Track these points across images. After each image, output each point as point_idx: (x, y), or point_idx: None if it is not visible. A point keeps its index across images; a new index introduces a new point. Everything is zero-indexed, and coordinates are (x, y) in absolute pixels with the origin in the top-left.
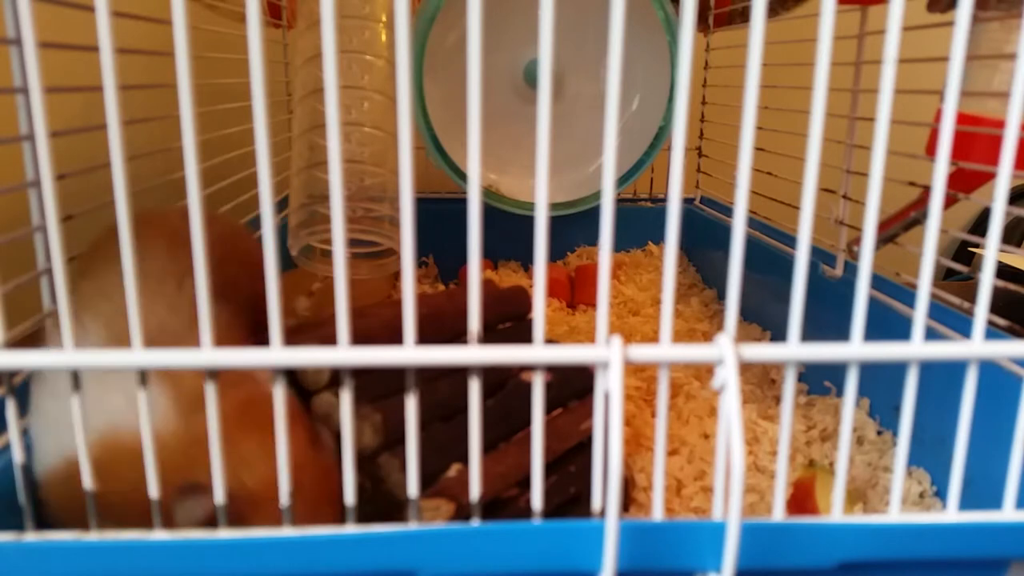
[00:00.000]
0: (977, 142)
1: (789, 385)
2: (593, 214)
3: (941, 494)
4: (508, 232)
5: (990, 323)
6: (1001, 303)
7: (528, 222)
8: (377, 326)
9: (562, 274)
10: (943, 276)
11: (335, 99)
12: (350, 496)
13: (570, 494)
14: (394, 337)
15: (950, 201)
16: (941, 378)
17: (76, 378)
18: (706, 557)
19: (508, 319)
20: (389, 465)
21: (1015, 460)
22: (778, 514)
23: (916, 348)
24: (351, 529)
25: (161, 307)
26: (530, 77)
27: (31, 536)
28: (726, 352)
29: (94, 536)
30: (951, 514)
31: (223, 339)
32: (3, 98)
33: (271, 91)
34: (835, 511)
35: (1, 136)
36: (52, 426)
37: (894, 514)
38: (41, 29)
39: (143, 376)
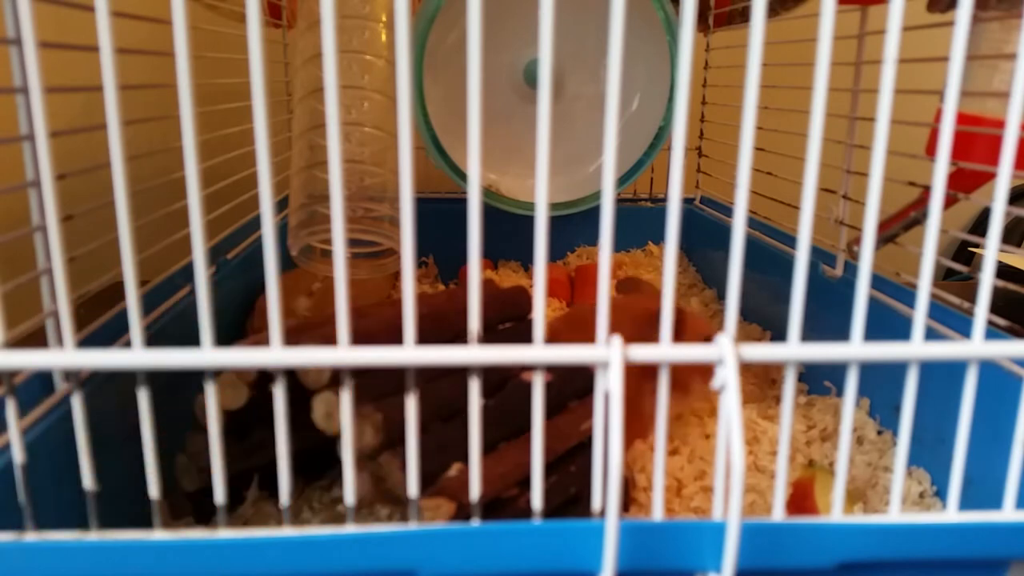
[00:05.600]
0: (977, 142)
1: (789, 385)
2: (593, 214)
3: (941, 494)
4: (508, 232)
5: (990, 323)
6: (1001, 303)
7: (528, 222)
8: (377, 326)
9: (562, 274)
10: (943, 276)
11: (335, 99)
12: (350, 496)
13: (570, 494)
14: (394, 337)
15: (950, 201)
16: (941, 378)
17: (76, 378)
18: (706, 557)
19: (508, 319)
20: (390, 464)
21: (1015, 460)
22: (778, 514)
23: (916, 348)
24: (351, 529)
25: None
26: (530, 77)
27: (31, 536)
28: (726, 352)
29: (94, 536)
30: (951, 514)
31: None
32: (3, 98)
33: (271, 91)
34: (835, 511)
35: (1, 136)
36: None
37: (894, 514)
38: (41, 29)
39: (143, 376)
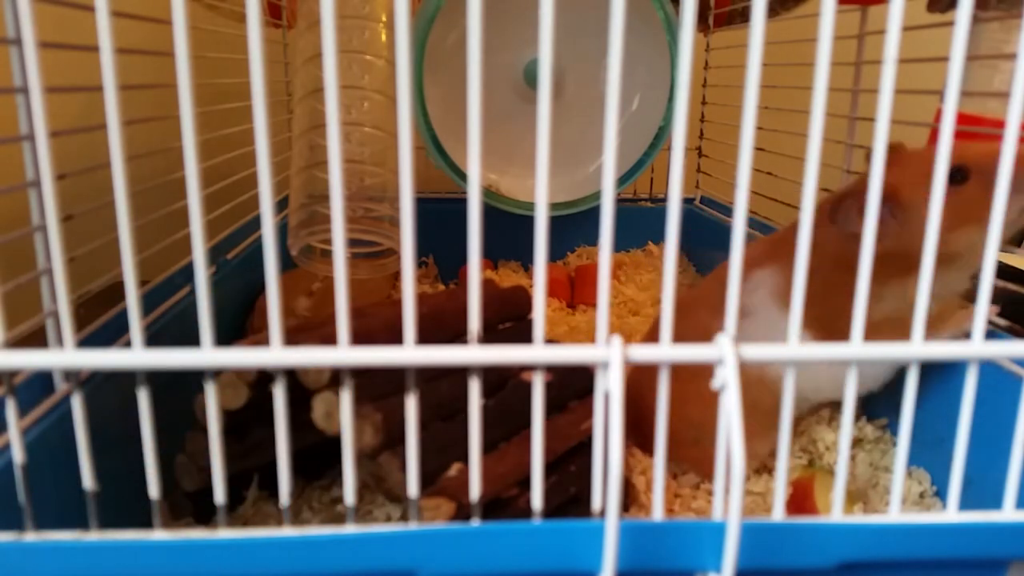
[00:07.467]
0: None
1: (789, 385)
2: (593, 214)
3: (941, 494)
4: (508, 232)
5: (990, 323)
6: (1001, 303)
7: (528, 222)
8: (378, 326)
9: (562, 274)
10: None
11: (335, 99)
12: (350, 496)
13: (570, 494)
14: (395, 337)
15: None
16: (941, 378)
17: (76, 378)
18: (706, 557)
19: (508, 319)
20: (389, 464)
21: (1015, 460)
22: (778, 514)
23: (916, 348)
24: (351, 529)
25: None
26: (530, 77)
27: (31, 536)
28: (726, 352)
29: (94, 536)
30: (951, 514)
31: None
32: (3, 98)
33: (271, 91)
34: (835, 511)
35: (1, 136)
36: None
37: (894, 514)
38: (41, 29)
39: (143, 376)
